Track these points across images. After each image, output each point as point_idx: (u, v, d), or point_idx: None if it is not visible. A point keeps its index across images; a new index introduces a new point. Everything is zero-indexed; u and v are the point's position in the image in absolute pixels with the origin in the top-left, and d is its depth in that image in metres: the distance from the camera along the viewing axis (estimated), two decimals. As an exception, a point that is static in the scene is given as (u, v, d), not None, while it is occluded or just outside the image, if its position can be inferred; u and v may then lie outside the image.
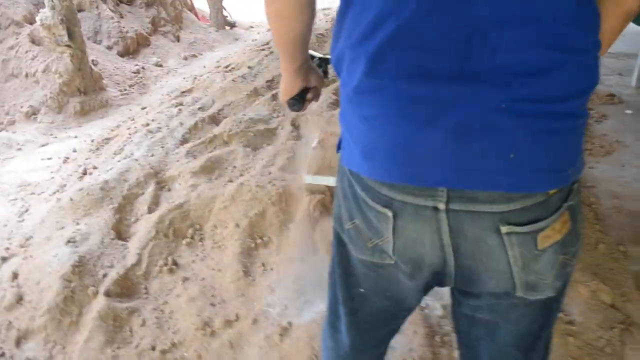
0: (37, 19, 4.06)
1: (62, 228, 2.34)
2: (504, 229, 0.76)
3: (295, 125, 3.27)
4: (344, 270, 0.99)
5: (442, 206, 0.78)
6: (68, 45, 3.99)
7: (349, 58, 0.81)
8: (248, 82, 4.04)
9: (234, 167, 2.79)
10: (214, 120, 3.43)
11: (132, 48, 5.11)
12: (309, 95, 1.13)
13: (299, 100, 1.12)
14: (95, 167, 2.86)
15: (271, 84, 4.04)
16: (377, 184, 0.82)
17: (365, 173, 0.83)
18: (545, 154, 0.74)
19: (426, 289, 0.94)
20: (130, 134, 3.24)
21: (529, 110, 0.72)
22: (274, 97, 3.65)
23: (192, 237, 2.30)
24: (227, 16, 6.30)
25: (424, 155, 0.75)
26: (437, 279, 0.89)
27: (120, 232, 2.35)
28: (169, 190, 2.64)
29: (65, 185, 2.80)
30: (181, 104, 3.65)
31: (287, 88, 1.10)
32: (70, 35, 3.98)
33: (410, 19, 0.73)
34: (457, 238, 0.80)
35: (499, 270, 0.81)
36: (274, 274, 2.08)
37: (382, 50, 0.75)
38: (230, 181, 2.63)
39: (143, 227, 2.32)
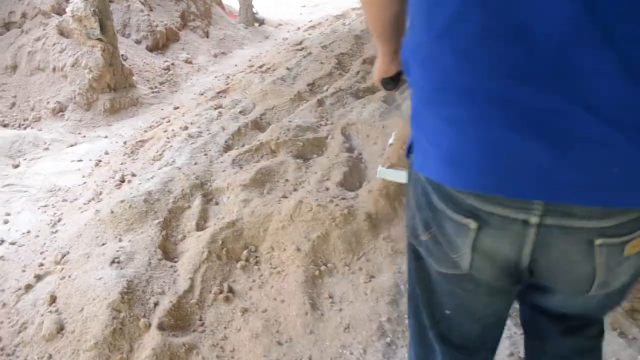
0: (68, 9, 3.84)
1: (103, 244, 2.12)
2: (598, 241, 0.73)
3: (345, 135, 3.03)
4: (424, 289, 0.93)
5: (534, 220, 0.72)
6: (99, 39, 3.77)
7: (426, 53, 0.73)
8: (288, 85, 3.80)
9: (286, 180, 2.56)
10: (257, 125, 3.20)
11: (161, 43, 4.88)
12: (404, 76, 1.05)
13: (394, 80, 1.13)
14: (133, 175, 2.64)
15: (313, 87, 3.81)
16: (462, 194, 0.74)
17: (448, 182, 0.75)
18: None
19: (507, 299, 0.93)
20: (168, 138, 3.01)
21: (638, 121, 0.63)
22: (320, 102, 3.41)
23: (247, 260, 2.07)
24: (256, 13, 6.07)
25: (519, 164, 0.68)
26: (514, 285, 0.85)
27: (168, 251, 2.13)
28: (217, 204, 2.41)
29: (101, 194, 2.57)
30: (220, 106, 3.42)
31: (382, 69, 1.11)
32: (103, 28, 3.76)
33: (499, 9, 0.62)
34: (541, 252, 0.75)
35: (580, 277, 0.78)
36: (345, 308, 1.84)
37: (471, 45, 0.66)
38: (285, 197, 2.40)
39: (193, 246, 2.10)
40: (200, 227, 2.24)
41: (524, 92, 0.65)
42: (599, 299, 0.85)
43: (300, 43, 5.25)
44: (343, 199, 2.33)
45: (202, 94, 4.03)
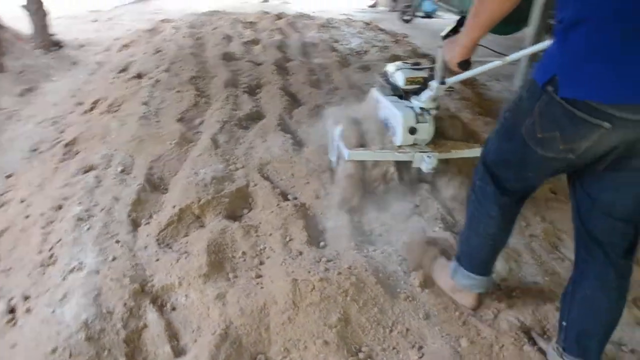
0: None
1: None
2: None
3: (268, 178, 2.64)
4: (519, 162, 1.47)
5: None
6: None
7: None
8: (156, 125, 3.16)
9: (243, 253, 2.09)
10: (154, 186, 2.56)
11: None
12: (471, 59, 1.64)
13: (467, 63, 1.63)
14: (27, 297, 1.82)
15: (187, 123, 3.24)
16: (609, 106, 1.17)
17: (603, 98, 1.17)
18: None
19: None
20: (43, 227, 2.18)
21: None
22: (214, 142, 2.91)
23: (262, 376, 1.60)
24: (53, 34, 4.95)
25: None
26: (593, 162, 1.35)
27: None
28: (174, 309, 1.82)
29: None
30: (92, 168, 2.64)
31: (463, 54, 1.59)
32: None
33: None
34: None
35: None
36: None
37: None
38: (259, 276, 1.95)
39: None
40: (177, 350, 1.65)
41: None
42: None
43: (126, 69, 4.47)
44: (330, 261, 2.00)
45: (36, 150, 3.08)
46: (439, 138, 2.51)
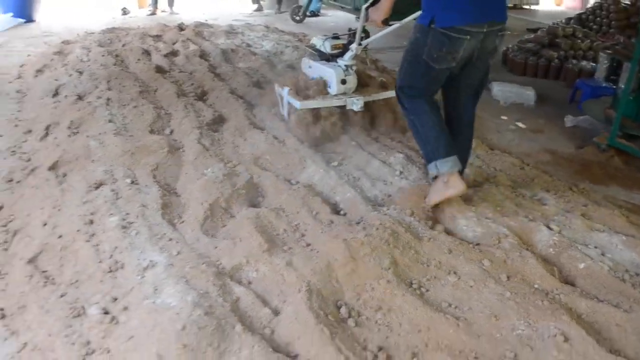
0: None
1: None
2: (499, 33, 2.41)
3: (264, 168, 2.94)
4: (426, 76, 2.46)
5: (484, 29, 2.31)
6: None
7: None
8: (133, 139, 3.27)
9: (284, 230, 2.41)
10: (167, 190, 2.74)
11: None
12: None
13: (388, 20, 2.75)
14: (115, 299, 1.97)
15: (162, 133, 3.39)
16: (465, 26, 2.26)
17: (463, 22, 2.24)
18: (502, 4, 2.44)
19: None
20: (89, 239, 2.28)
21: None
22: (204, 146, 3.12)
23: (350, 316, 1.96)
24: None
25: (480, 9, 2.27)
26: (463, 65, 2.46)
27: None
28: (250, 283, 2.10)
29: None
30: (101, 183, 2.72)
31: (386, 14, 2.67)
32: None
33: None
34: (484, 42, 2.36)
35: (490, 51, 2.45)
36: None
37: None
38: (308, 245, 2.29)
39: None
40: (274, 311, 1.94)
41: None
42: (487, 68, 2.57)
43: (57, 93, 4.38)
44: (359, 223, 2.40)
45: (12, 181, 3.01)
46: (360, 87, 3.49)
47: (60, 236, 2.38)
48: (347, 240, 2.21)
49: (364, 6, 2.92)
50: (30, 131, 3.70)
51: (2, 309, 1.97)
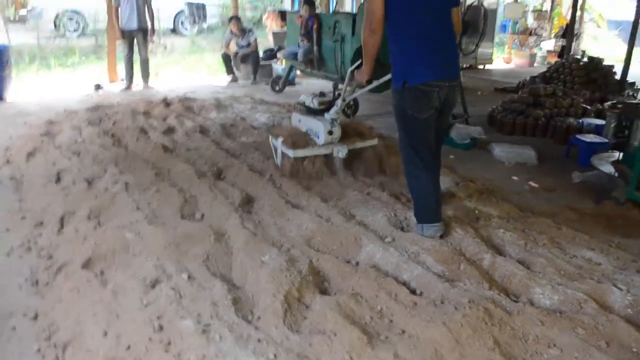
0: None
1: None
2: (455, 88, 3.10)
3: (318, 250, 2.83)
4: (416, 130, 2.96)
5: (447, 84, 2.88)
6: None
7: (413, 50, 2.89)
8: (168, 227, 3.10)
9: (371, 317, 2.28)
10: (226, 282, 2.56)
11: None
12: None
13: (370, 80, 3.25)
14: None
15: (194, 218, 3.23)
16: (433, 82, 2.82)
17: (430, 79, 2.81)
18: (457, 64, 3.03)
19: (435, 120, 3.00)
20: (167, 350, 2.06)
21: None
22: (250, 231, 2.98)
23: None
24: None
25: (440, 67, 2.86)
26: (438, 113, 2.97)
27: None
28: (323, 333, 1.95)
29: None
30: (157, 281, 2.51)
31: (368, 75, 3.11)
32: None
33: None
34: (447, 94, 2.91)
35: (452, 102, 3.09)
36: None
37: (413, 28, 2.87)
38: (403, 331, 2.18)
39: None
40: None
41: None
42: (449, 116, 3.38)
43: (60, 178, 4.14)
44: (443, 302, 2.32)
45: (37, 283, 2.74)
46: (345, 137, 4.08)
47: (128, 347, 2.15)
48: (446, 323, 2.13)
49: (350, 69, 3.78)
50: (41, 223, 3.43)
51: None
